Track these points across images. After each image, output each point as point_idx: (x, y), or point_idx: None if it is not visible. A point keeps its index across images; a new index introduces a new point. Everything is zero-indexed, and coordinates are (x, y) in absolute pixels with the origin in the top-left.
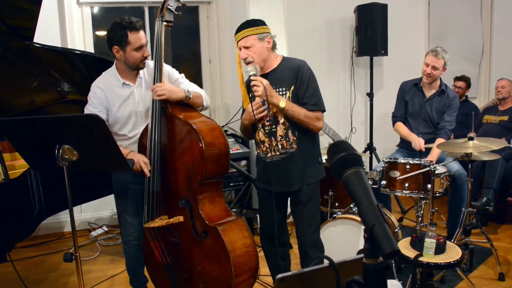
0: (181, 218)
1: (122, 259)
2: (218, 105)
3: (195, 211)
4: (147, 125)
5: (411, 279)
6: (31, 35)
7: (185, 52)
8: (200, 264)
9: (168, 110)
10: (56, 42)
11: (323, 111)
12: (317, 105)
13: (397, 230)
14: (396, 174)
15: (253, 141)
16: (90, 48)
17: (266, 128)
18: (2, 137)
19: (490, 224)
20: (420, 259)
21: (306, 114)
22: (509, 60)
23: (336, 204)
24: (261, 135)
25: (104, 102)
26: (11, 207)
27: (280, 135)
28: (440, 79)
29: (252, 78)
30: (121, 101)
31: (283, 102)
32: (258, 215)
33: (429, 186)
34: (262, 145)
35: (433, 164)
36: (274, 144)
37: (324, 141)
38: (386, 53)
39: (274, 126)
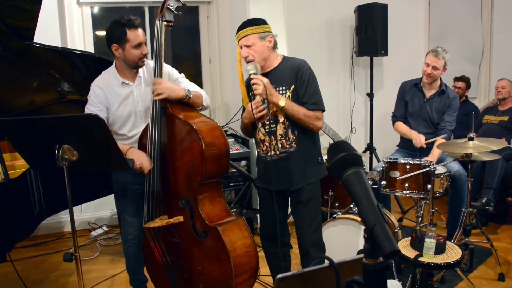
0: (181, 218)
1: (122, 259)
2: (218, 105)
3: (195, 211)
4: (147, 125)
5: (411, 279)
6: (31, 35)
7: (185, 52)
8: (200, 264)
9: (168, 110)
10: (56, 42)
11: (323, 110)
12: (317, 105)
13: (397, 230)
14: (396, 174)
15: (253, 140)
16: (90, 48)
17: (266, 127)
18: (2, 137)
19: (490, 224)
20: (420, 259)
21: (306, 113)
22: (509, 60)
23: (336, 204)
24: (261, 134)
25: (104, 101)
26: (11, 207)
27: (280, 134)
28: (441, 79)
29: (252, 76)
30: (120, 100)
31: (283, 101)
32: (258, 215)
33: (429, 186)
34: (262, 144)
35: (433, 164)
36: (274, 143)
37: (324, 141)
38: (386, 53)
39: (274, 125)
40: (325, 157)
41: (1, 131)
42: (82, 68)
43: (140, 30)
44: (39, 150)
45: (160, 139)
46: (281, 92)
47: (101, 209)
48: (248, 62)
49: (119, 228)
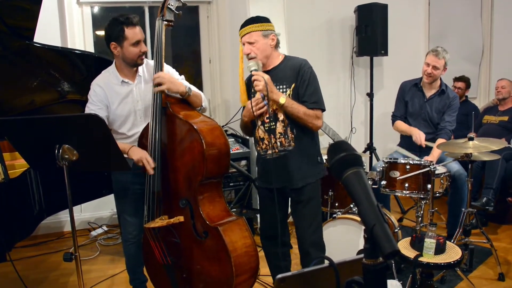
0: (181, 218)
1: (122, 258)
2: (218, 105)
3: (196, 211)
4: (147, 125)
5: (411, 279)
6: (31, 35)
7: (185, 51)
8: (200, 264)
9: (169, 109)
10: (56, 42)
11: (323, 110)
12: (317, 104)
13: (397, 230)
14: (396, 174)
15: (253, 140)
16: (90, 48)
17: (265, 125)
18: (2, 137)
19: (490, 224)
20: (420, 259)
21: (306, 112)
22: (509, 60)
23: (336, 204)
24: (260, 132)
25: (104, 99)
26: (11, 206)
27: (279, 133)
28: (441, 79)
29: (253, 73)
30: (120, 99)
31: (283, 98)
32: (258, 215)
33: (429, 186)
34: (261, 143)
35: (433, 164)
36: (273, 141)
37: (324, 141)
38: (386, 53)
39: (273, 123)
40: (325, 157)
41: (1, 131)
42: (82, 67)
43: (138, 28)
44: (39, 150)
45: (161, 139)
46: (281, 90)
47: (101, 209)
48: (250, 59)
49: (119, 228)
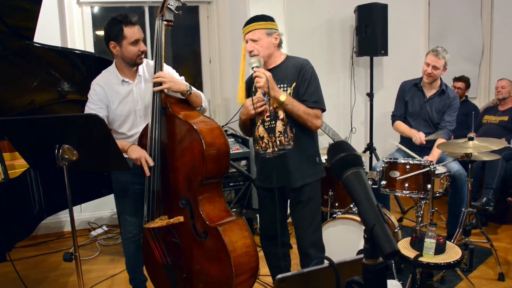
0: (181, 218)
1: (122, 258)
2: (218, 105)
3: (195, 211)
4: (147, 125)
5: (411, 279)
6: (31, 35)
7: (185, 51)
8: (200, 264)
9: (169, 110)
10: (56, 42)
11: (323, 110)
12: (317, 103)
13: (397, 230)
14: (396, 174)
15: (252, 139)
16: (90, 48)
17: (266, 123)
18: (2, 137)
19: (490, 224)
20: (420, 259)
21: (306, 111)
22: (509, 60)
23: (336, 204)
24: (260, 130)
25: (104, 99)
26: (11, 206)
27: (279, 131)
28: (441, 79)
29: (255, 69)
30: (120, 99)
31: (283, 96)
32: (258, 215)
33: (429, 186)
34: (261, 141)
35: (433, 164)
36: (273, 140)
37: (324, 141)
38: (386, 53)
39: (273, 122)
40: (325, 157)
41: (1, 131)
42: (82, 67)
43: (137, 27)
44: (39, 150)
45: (160, 139)
46: (282, 89)
47: (101, 209)
48: (253, 56)
49: (119, 227)
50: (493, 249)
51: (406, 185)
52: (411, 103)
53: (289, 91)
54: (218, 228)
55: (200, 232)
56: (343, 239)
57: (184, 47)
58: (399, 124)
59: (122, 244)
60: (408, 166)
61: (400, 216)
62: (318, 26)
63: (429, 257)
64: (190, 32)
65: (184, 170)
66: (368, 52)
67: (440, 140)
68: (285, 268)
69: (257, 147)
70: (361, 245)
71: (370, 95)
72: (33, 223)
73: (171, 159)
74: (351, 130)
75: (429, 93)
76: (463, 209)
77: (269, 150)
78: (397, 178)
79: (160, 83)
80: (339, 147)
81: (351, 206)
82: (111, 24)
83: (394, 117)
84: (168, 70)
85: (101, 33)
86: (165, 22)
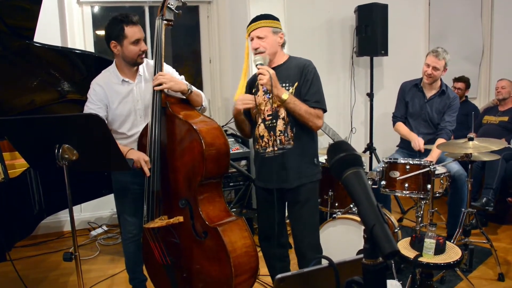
0: (181, 219)
1: (122, 258)
2: (218, 105)
3: (195, 211)
4: (146, 125)
5: (411, 279)
6: (31, 35)
7: (185, 51)
8: (200, 264)
9: (168, 110)
10: (56, 42)
11: (324, 110)
12: (319, 103)
13: (397, 230)
14: (396, 174)
15: (252, 138)
16: (90, 48)
17: (266, 122)
18: (2, 137)
19: (490, 225)
20: (420, 259)
21: (307, 110)
22: (509, 60)
23: (336, 204)
24: (261, 129)
25: (103, 99)
26: (11, 206)
27: (279, 130)
28: (441, 79)
29: (258, 66)
30: (120, 98)
31: (285, 95)
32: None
33: (429, 186)
34: (261, 140)
35: (433, 165)
36: (273, 139)
37: (324, 141)
38: (386, 53)
39: (274, 121)
40: (324, 157)
41: (1, 131)
42: (82, 67)
43: (137, 27)
44: (39, 149)
45: (160, 139)
46: (284, 88)
47: (101, 209)
48: (258, 53)
49: (119, 227)
50: (493, 249)
51: (406, 185)
52: (411, 103)
53: (291, 90)
54: (217, 228)
55: (200, 232)
56: (343, 239)
57: (184, 47)
58: (400, 125)
59: (122, 244)
60: (408, 166)
61: (400, 216)
62: (318, 26)
63: (429, 257)
64: (190, 32)
65: (184, 170)
66: (368, 52)
67: (440, 140)
68: (284, 269)
69: (257, 146)
70: (361, 245)
71: (370, 95)
72: (33, 223)
73: (171, 159)
74: (351, 130)
75: (429, 93)
76: (463, 209)
77: (269, 149)
78: (397, 178)
79: (161, 83)
80: (339, 147)
81: (351, 206)
82: (112, 23)
83: (395, 118)
84: (168, 70)
85: (101, 33)
86: (165, 22)
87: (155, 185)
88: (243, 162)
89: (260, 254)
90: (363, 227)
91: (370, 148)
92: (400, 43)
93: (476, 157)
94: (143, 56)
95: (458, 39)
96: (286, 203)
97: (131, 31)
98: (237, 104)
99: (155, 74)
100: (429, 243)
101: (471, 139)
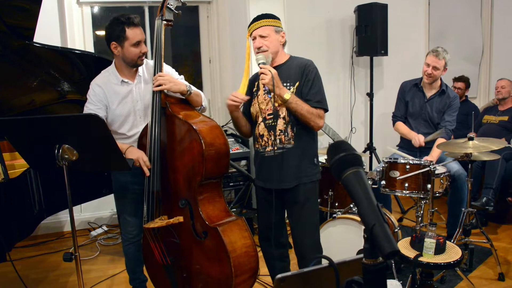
0: (181, 219)
1: (122, 258)
2: (218, 105)
3: (195, 211)
4: (146, 125)
5: (411, 279)
6: (31, 35)
7: (185, 51)
8: (200, 264)
9: (168, 110)
10: (56, 42)
11: (326, 110)
12: (321, 103)
13: (397, 230)
14: (396, 174)
15: (252, 137)
16: (90, 48)
17: (267, 121)
18: (2, 137)
19: (490, 224)
20: (420, 259)
21: (309, 110)
22: (509, 60)
23: (336, 204)
24: (261, 128)
25: (103, 99)
26: (11, 206)
27: (279, 130)
28: (441, 79)
29: (261, 66)
30: (120, 99)
31: (288, 94)
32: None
33: (429, 186)
34: (260, 139)
35: (433, 164)
36: (272, 138)
37: (324, 141)
38: (386, 53)
39: (275, 120)
40: (324, 157)
41: (1, 131)
42: (82, 67)
43: (139, 29)
44: (39, 149)
45: (160, 139)
46: (285, 87)
47: (101, 209)
48: (261, 52)
49: (119, 227)
50: (493, 249)
51: (406, 185)
52: (412, 103)
53: (292, 90)
54: (217, 228)
55: (199, 232)
56: (343, 239)
57: (184, 47)
58: (400, 125)
59: (122, 245)
60: (408, 166)
61: (400, 216)
62: (318, 26)
63: (429, 257)
64: (190, 32)
65: (184, 170)
66: (368, 52)
67: (440, 140)
68: (284, 269)
69: (257, 145)
70: (361, 245)
71: (370, 95)
72: (33, 223)
73: (171, 159)
74: (351, 130)
75: (429, 93)
76: (463, 209)
77: (269, 149)
78: (397, 178)
79: (160, 84)
80: (339, 147)
81: (351, 206)
82: (113, 24)
83: (395, 118)
84: (167, 70)
85: (101, 33)
86: (165, 22)
87: (155, 185)
88: (243, 162)
89: (260, 254)
90: (363, 227)
91: (370, 148)
92: (400, 43)
93: (476, 156)
94: (143, 58)
95: (458, 39)
96: (286, 203)
97: (132, 33)
98: (227, 100)
99: (154, 75)
100: (429, 242)
101: (471, 138)
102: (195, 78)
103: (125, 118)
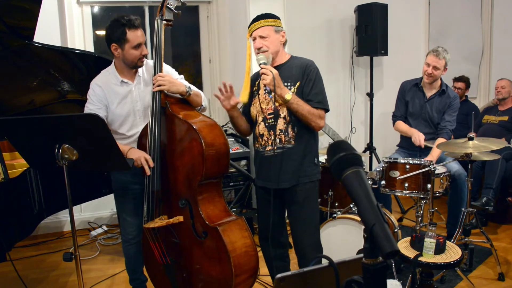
0: (181, 218)
1: (122, 258)
2: (218, 105)
3: (195, 211)
4: (146, 125)
5: (411, 279)
6: (31, 35)
7: (185, 51)
8: (200, 264)
9: (168, 109)
10: (56, 42)
11: (327, 110)
12: (322, 103)
13: (396, 230)
14: (396, 174)
15: (252, 137)
16: (90, 48)
17: (267, 121)
18: (2, 137)
19: (490, 224)
20: (420, 259)
21: (310, 110)
22: (509, 60)
23: (336, 204)
24: (261, 128)
25: (103, 99)
26: (11, 206)
27: (280, 129)
28: (441, 79)
29: (262, 66)
30: (119, 99)
31: (289, 95)
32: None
33: (429, 186)
34: (260, 139)
35: (433, 164)
36: (272, 138)
37: (324, 141)
38: (386, 53)
39: (275, 120)
40: (324, 157)
41: (1, 131)
42: (82, 67)
43: (140, 31)
44: (39, 149)
45: (160, 139)
46: (286, 87)
47: (101, 209)
48: (261, 52)
49: (119, 227)
50: (493, 249)
51: (406, 185)
52: (412, 103)
53: (293, 90)
54: (217, 228)
55: (199, 232)
56: (343, 239)
57: (184, 47)
58: (400, 123)
59: (122, 246)
60: (408, 166)
61: (400, 216)
62: (318, 26)
63: (429, 257)
64: (190, 32)
65: (184, 170)
66: (368, 52)
67: (440, 140)
68: (284, 269)
69: (257, 145)
70: (361, 244)
71: (370, 95)
72: (33, 223)
73: (171, 159)
74: (351, 130)
75: (429, 93)
76: (463, 209)
77: (268, 148)
78: (397, 178)
79: (159, 85)
80: (339, 147)
81: (351, 206)
82: (114, 25)
83: (395, 117)
84: (167, 70)
85: (101, 33)
86: (165, 22)
87: (155, 185)
88: (243, 162)
89: (260, 254)
90: (363, 227)
91: (370, 148)
92: (400, 43)
93: (476, 156)
94: (143, 59)
95: (458, 39)
96: (286, 202)
97: (133, 36)
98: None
99: (154, 75)
100: (429, 242)
101: (471, 138)
102: (195, 78)
103: (124, 118)
